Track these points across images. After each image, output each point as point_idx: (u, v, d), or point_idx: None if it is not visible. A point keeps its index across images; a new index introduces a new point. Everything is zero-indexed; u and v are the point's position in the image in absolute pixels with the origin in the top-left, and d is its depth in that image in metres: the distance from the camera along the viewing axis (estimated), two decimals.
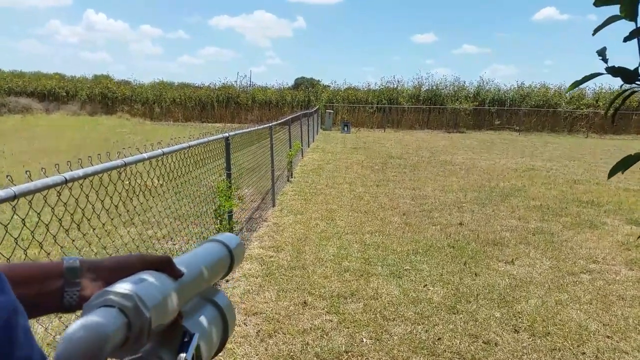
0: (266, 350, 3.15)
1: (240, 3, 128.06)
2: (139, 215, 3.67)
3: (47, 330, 2.96)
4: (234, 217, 4.91)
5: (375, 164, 12.51)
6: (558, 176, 11.04)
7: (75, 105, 31.69)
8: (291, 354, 3.11)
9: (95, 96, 32.30)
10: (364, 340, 3.30)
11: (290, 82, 37.72)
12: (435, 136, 24.64)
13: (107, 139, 15.97)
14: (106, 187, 2.67)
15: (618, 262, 5.07)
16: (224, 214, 4.46)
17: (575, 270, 4.78)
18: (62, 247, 2.90)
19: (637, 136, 27.62)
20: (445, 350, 3.19)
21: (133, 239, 3.80)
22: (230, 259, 0.68)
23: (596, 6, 0.86)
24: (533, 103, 29.90)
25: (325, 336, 3.33)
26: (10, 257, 2.19)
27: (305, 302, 3.86)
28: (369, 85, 33.39)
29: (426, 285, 4.30)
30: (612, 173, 1.02)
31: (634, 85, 0.91)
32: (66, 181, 2.01)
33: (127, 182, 2.93)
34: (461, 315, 3.71)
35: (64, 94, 32.22)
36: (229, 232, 4.46)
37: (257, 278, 4.35)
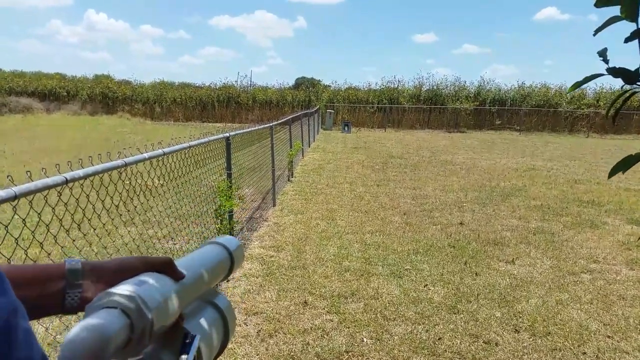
0: (267, 350, 3.15)
1: (240, 3, 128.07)
2: (140, 215, 3.67)
3: (47, 330, 2.96)
4: (234, 216, 4.91)
5: (376, 163, 12.51)
6: (559, 176, 11.03)
7: (76, 105, 31.71)
8: (292, 353, 3.11)
9: (95, 96, 32.33)
10: (365, 340, 3.30)
11: (291, 82, 37.75)
12: (436, 136, 24.63)
13: (107, 139, 15.98)
14: (107, 187, 2.67)
15: (619, 262, 5.07)
16: (224, 214, 4.46)
17: (576, 270, 4.78)
18: (62, 247, 2.90)
19: (638, 136, 27.59)
20: (445, 350, 3.19)
21: (134, 239, 3.80)
22: (230, 261, 0.68)
23: (597, 7, 0.86)
24: (534, 103, 29.89)
25: (325, 336, 3.34)
26: (11, 257, 2.20)
27: (305, 302, 3.86)
28: (369, 85, 33.44)
29: (427, 285, 4.30)
30: (612, 173, 1.02)
31: (634, 86, 0.91)
32: (67, 181, 2.01)
33: (128, 182, 2.94)
34: (462, 315, 3.71)
35: (65, 93, 32.24)
36: (230, 231, 4.46)
37: (257, 278, 4.35)
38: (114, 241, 4.16)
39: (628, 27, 0.87)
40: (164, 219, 4.69)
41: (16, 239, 2.00)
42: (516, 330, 3.50)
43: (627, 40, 0.88)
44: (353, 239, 5.61)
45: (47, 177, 1.95)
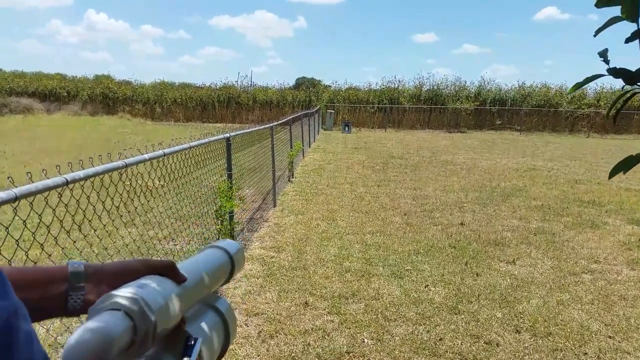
0: (267, 350, 3.15)
1: (241, 3, 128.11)
2: (140, 216, 3.67)
3: (48, 331, 2.96)
4: (235, 217, 4.91)
5: (376, 164, 12.51)
6: (559, 176, 11.03)
7: (76, 106, 31.73)
8: (292, 354, 3.11)
9: (96, 96, 32.34)
10: (366, 340, 3.30)
11: (291, 82, 37.75)
12: (436, 136, 24.63)
13: (108, 139, 15.98)
14: (107, 188, 2.67)
15: (620, 262, 5.06)
16: (225, 215, 4.46)
17: (577, 271, 4.77)
18: (63, 248, 2.90)
19: (639, 136, 27.58)
20: (446, 351, 3.19)
21: (134, 240, 3.80)
22: (231, 265, 0.69)
23: (597, 7, 0.86)
24: (534, 103, 29.87)
25: (326, 337, 3.33)
26: (12, 258, 2.20)
27: (306, 303, 3.86)
28: (370, 85, 33.45)
29: (427, 285, 4.30)
30: (613, 173, 1.02)
31: (635, 86, 0.91)
32: (67, 182, 2.01)
33: (129, 183, 2.94)
34: (463, 316, 3.71)
35: (65, 94, 32.26)
36: (230, 232, 4.46)
37: (258, 278, 4.35)
38: (114, 242, 4.16)
39: (629, 27, 0.87)
40: (164, 220, 4.68)
41: (17, 241, 2.00)
42: (517, 330, 3.50)
43: (627, 40, 0.88)
44: (354, 240, 5.61)
45: (48, 178, 1.95)
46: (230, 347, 3.15)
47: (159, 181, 3.41)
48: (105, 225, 2.96)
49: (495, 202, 7.91)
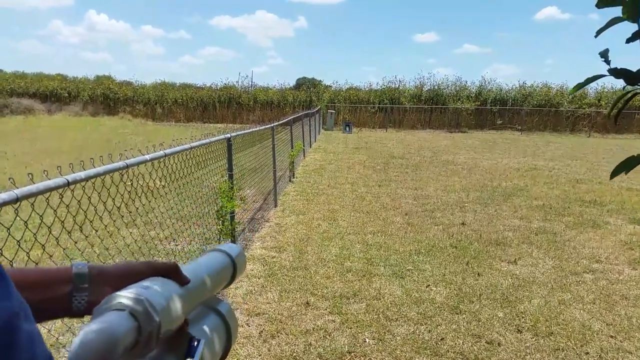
0: (269, 350, 3.15)
1: (241, 3, 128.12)
2: (142, 216, 3.68)
3: (50, 332, 2.96)
4: (236, 217, 4.91)
5: (377, 164, 12.51)
6: (560, 176, 11.02)
7: (77, 106, 31.76)
8: (294, 354, 3.11)
9: (97, 97, 32.37)
10: (367, 340, 3.30)
11: (292, 82, 37.75)
12: (437, 136, 24.62)
13: (109, 140, 16.00)
14: (108, 189, 2.67)
15: (621, 262, 5.06)
16: (226, 215, 4.47)
17: (578, 270, 4.77)
18: (64, 249, 2.91)
19: None
20: (448, 351, 3.18)
21: (135, 240, 3.81)
22: (233, 268, 0.69)
23: (598, 7, 0.86)
24: (535, 102, 29.85)
25: (328, 337, 3.33)
26: (13, 259, 2.20)
27: (307, 303, 3.86)
28: (370, 85, 33.41)
29: (429, 285, 4.30)
30: (614, 174, 1.01)
31: (636, 86, 0.91)
32: (68, 183, 2.01)
33: (130, 184, 2.94)
34: (464, 315, 3.71)
35: (66, 94, 32.29)
36: (231, 232, 4.46)
37: (259, 278, 4.35)
38: (116, 243, 4.17)
39: (630, 27, 0.87)
40: (165, 220, 4.69)
41: (18, 241, 2.00)
42: (519, 330, 3.50)
43: (628, 40, 0.88)
44: (355, 240, 5.61)
45: (49, 179, 1.95)
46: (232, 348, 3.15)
47: (160, 181, 3.42)
48: (106, 226, 2.96)
49: (496, 202, 7.90)
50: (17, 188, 1.77)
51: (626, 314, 3.81)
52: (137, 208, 3.24)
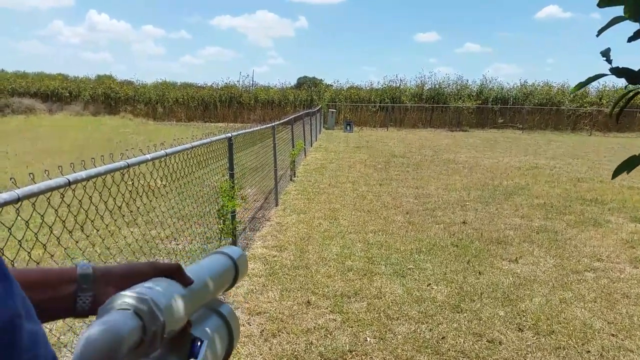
0: (270, 349, 3.15)
1: (242, 3, 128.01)
2: (143, 215, 3.68)
3: (51, 331, 2.97)
4: (237, 217, 4.92)
5: (378, 162, 12.50)
6: (562, 174, 11.01)
7: (78, 106, 31.79)
8: (295, 353, 3.11)
9: (98, 96, 32.39)
10: (368, 339, 3.30)
11: (293, 82, 37.70)
12: (438, 135, 24.60)
13: (110, 139, 16.01)
14: (109, 189, 2.67)
15: (622, 260, 5.05)
16: (227, 214, 4.47)
17: (580, 269, 4.76)
18: (65, 248, 2.91)
19: None
20: (449, 349, 3.19)
21: (136, 240, 3.81)
22: (235, 270, 0.70)
23: (600, 7, 0.86)
24: (536, 101, 29.82)
25: (329, 335, 3.34)
26: (15, 258, 2.20)
27: (308, 302, 3.87)
28: (371, 84, 33.36)
29: (430, 284, 4.30)
30: (616, 173, 1.01)
31: (638, 85, 0.90)
32: (69, 183, 2.01)
33: (131, 183, 2.94)
34: (465, 314, 3.71)
35: (67, 94, 32.31)
36: (232, 231, 4.46)
37: (260, 277, 4.35)
38: (117, 242, 4.17)
39: (631, 26, 0.87)
40: (166, 220, 4.69)
41: (19, 241, 2.00)
42: (520, 329, 3.50)
43: (630, 39, 0.87)
44: (356, 239, 5.61)
45: (50, 179, 1.95)
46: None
47: (161, 181, 3.42)
48: (107, 225, 2.96)
49: (497, 201, 7.90)
50: (19, 188, 1.77)
51: (627, 312, 3.81)
52: (138, 207, 3.25)
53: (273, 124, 7.68)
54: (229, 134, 4.87)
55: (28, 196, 1.80)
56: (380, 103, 30.60)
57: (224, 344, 0.61)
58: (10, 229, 1.92)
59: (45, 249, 2.24)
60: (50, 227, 2.22)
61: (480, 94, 30.90)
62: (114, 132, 19.46)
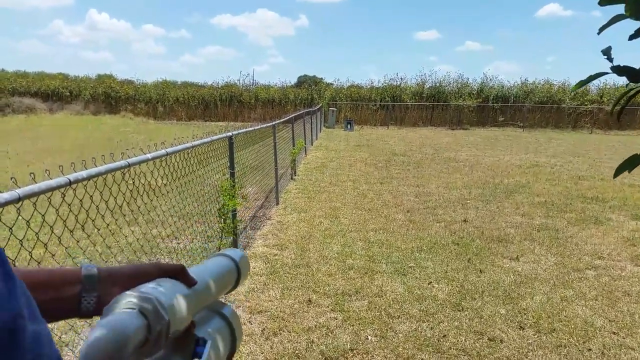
0: (271, 348, 3.15)
1: (242, 2, 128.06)
2: (143, 215, 3.68)
3: (52, 330, 2.97)
4: (237, 215, 4.92)
5: (379, 161, 12.50)
6: (562, 172, 11.00)
7: (78, 105, 31.80)
8: (296, 352, 3.11)
9: (98, 96, 32.40)
10: (369, 337, 3.31)
11: (293, 81, 37.73)
12: (439, 133, 24.58)
13: (110, 139, 16.01)
14: (110, 188, 2.67)
15: (623, 258, 5.05)
16: (227, 213, 4.47)
17: (581, 267, 4.76)
18: (66, 247, 2.91)
19: None
20: (450, 348, 3.19)
21: (137, 239, 3.81)
22: (237, 272, 0.71)
23: (601, 5, 0.85)
24: (537, 99, 29.79)
25: (330, 334, 3.34)
26: (16, 258, 2.20)
27: (309, 300, 3.87)
28: (372, 83, 33.34)
29: (431, 282, 4.30)
30: (618, 173, 1.01)
31: (639, 84, 0.90)
32: (70, 183, 2.01)
33: (131, 182, 2.94)
34: (466, 312, 3.71)
35: (68, 93, 32.32)
36: (233, 230, 4.46)
37: (261, 276, 4.35)
38: (117, 241, 4.17)
39: (632, 24, 0.87)
40: (167, 219, 4.69)
41: (20, 241, 2.00)
42: (521, 327, 3.50)
43: (631, 37, 0.87)
44: (356, 237, 5.61)
45: (51, 178, 1.95)
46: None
47: (162, 180, 3.42)
48: (108, 225, 2.97)
49: (498, 199, 7.89)
50: (19, 187, 1.78)
51: (628, 310, 3.81)
52: (139, 206, 3.25)
53: (273, 122, 7.68)
54: (230, 133, 4.87)
55: (29, 196, 1.80)
56: (380, 101, 30.59)
57: (226, 345, 0.62)
58: (11, 228, 1.92)
59: (46, 249, 2.24)
60: (51, 226, 2.23)
61: (480, 92, 30.87)
62: (114, 132, 19.47)
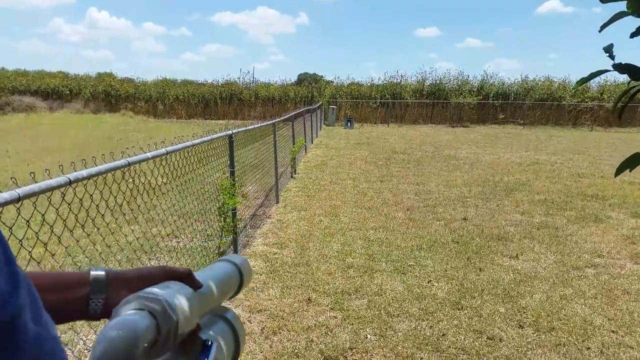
0: (271, 347, 3.15)
1: None
2: (143, 213, 3.68)
3: None
4: (237, 214, 4.92)
5: (379, 159, 12.49)
6: (562, 170, 10.99)
7: (78, 104, 31.79)
8: (296, 350, 3.11)
9: (98, 94, 32.39)
10: (368, 336, 3.31)
11: (293, 78, 37.68)
12: (439, 131, 24.57)
13: (110, 137, 16.01)
14: (110, 187, 2.67)
15: (623, 256, 5.05)
16: (227, 212, 4.47)
17: (580, 265, 4.76)
18: (66, 247, 2.91)
19: None
20: (449, 346, 3.19)
21: (137, 238, 3.81)
22: (240, 278, 0.72)
23: (603, 2, 0.85)
24: (537, 96, 29.77)
25: (329, 333, 3.34)
26: (16, 257, 2.20)
27: (309, 299, 3.87)
28: (372, 81, 33.33)
29: (430, 281, 4.30)
30: (619, 172, 1.01)
31: None
32: (70, 182, 2.01)
33: (131, 181, 2.94)
34: (465, 311, 3.71)
35: (68, 92, 32.31)
36: (233, 229, 4.46)
37: (261, 275, 4.35)
38: (117, 240, 4.17)
39: (634, 22, 0.86)
40: (167, 218, 4.69)
41: (20, 240, 2.00)
42: (520, 325, 3.50)
43: (633, 35, 0.87)
44: (356, 236, 5.61)
45: (51, 178, 1.95)
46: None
47: (162, 179, 3.42)
48: (108, 224, 2.96)
49: (498, 197, 7.89)
50: (19, 187, 1.77)
51: (628, 308, 3.81)
52: (139, 205, 3.24)
53: (273, 121, 7.67)
54: (230, 132, 4.86)
55: (29, 196, 1.79)
56: (380, 99, 30.57)
57: (230, 349, 0.63)
58: (11, 228, 1.92)
59: (46, 248, 2.24)
60: (51, 225, 2.22)
61: (481, 90, 30.85)
62: (114, 130, 19.46)
